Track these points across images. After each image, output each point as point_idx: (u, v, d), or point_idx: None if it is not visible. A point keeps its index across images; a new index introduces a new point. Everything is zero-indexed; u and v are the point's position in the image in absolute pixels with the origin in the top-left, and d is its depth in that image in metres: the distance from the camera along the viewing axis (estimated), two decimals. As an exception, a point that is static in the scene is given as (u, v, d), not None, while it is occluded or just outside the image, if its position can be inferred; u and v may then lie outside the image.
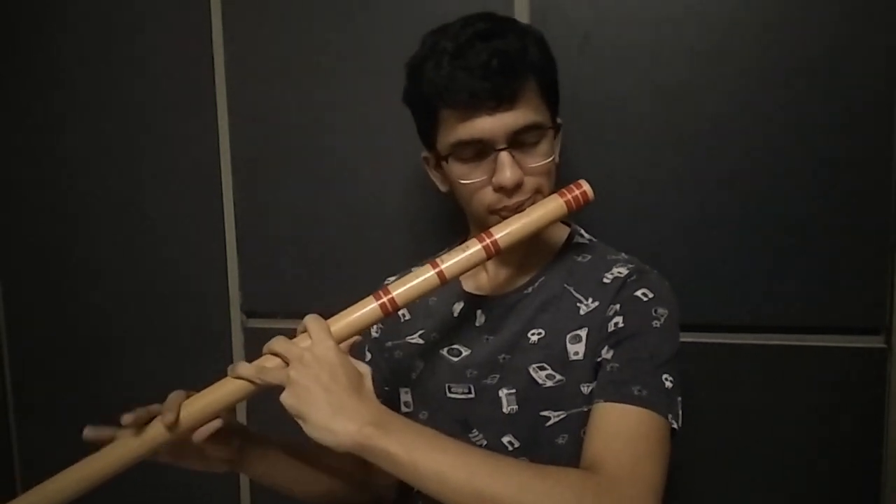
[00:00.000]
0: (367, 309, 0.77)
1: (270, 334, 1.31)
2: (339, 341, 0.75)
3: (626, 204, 1.12)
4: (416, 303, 0.87)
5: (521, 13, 1.12)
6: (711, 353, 1.11)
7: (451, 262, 0.78)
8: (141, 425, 0.75)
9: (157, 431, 0.74)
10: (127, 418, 0.74)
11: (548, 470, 0.71)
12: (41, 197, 1.45)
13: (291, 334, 0.77)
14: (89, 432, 0.77)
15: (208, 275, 1.35)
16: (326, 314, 1.26)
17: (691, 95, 1.08)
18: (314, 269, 1.29)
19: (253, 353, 1.32)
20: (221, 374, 1.34)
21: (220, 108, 1.31)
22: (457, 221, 0.98)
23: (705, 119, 1.08)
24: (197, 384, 1.36)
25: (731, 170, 1.08)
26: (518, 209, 0.82)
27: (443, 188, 0.91)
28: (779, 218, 1.07)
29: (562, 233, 0.95)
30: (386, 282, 1.03)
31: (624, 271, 0.86)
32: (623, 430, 0.75)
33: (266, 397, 0.76)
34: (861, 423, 1.08)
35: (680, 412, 0.78)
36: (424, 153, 0.91)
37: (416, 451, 0.68)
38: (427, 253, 1.04)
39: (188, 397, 0.78)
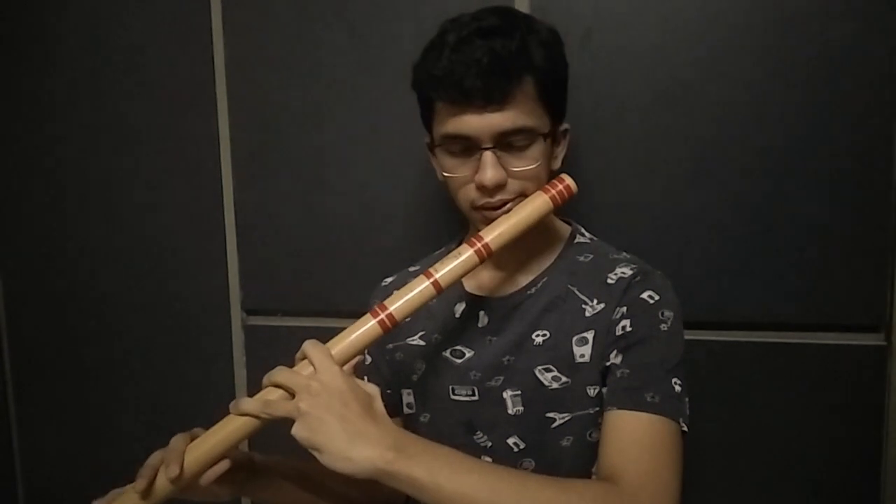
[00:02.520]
0: (366, 328, 0.76)
1: (271, 332, 1.33)
2: (340, 364, 0.73)
3: (625, 201, 1.12)
4: None
5: (521, 8, 1.12)
6: (711, 350, 1.11)
7: (444, 270, 0.78)
8: (151, 484, 0.72)
9: (162, 484, 0.72)
10: (140, 485, 0.72)
11: (570, 483, 0.72)
12: (41, 196, 1.44)
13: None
14: None
15: (209, 273, 1.35)
16: (325, 313, 1.27)
17: (693, 93, 1.08)
18: (314, 268, 1.29)
19: (253, 351, 1.35)
20: (221, 373, 1.36)
21: (220, 108, 1.30)
22: (457, 220, 0.98)
23: (706, 117, 1.08)
24: (197, 382, 1.38)
25: (731, 168, 1.08)
26: (500, 208, 0.82)
27: (440, 176, 0.91)
28: (779, 215, 1.07)
29: (563, 232, 0.95)
30: (383, 282, 1.03)
31: (628, 272, 0.86)
32: (639, 439, 0.75)
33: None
34: (861, 421, 1.08)
35: (688, 413, 0.79)
36: (426, 138, 0.91)
37: (438, 474, 0.67)
38: (427, 251, 1.05)
39: (192, 438, 0.75)
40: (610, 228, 1.01)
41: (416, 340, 0.95)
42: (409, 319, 0.96)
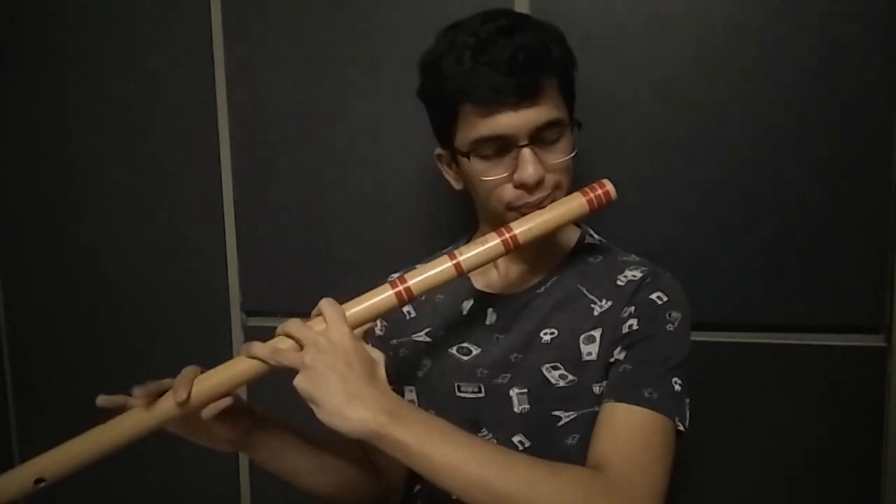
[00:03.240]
0: (382, 296, 0.78)
1: (271, 333, 1.32)
2: (353, 327, 0.75)
3: (623, 202, 1.11)
4: (423, 300, 0.87)
5: (521, 8, 1.12)
6: (711, 351, 1.11)
7: (469, 254, 0.78)
8: (153, 399, 0.75)
9: (167, 406, 0.75)
10: (138, 391, 0.75)
11: (558, 467, 0.72)
12: (41, 196, 1.44)
13: (305, 317, 0.78)
14: (103, 401, 0.78)
15: (208, 273, 1.35)
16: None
17: (692, 93, 1.09)
18: (314, 268, 1.29)
19: (253, 353, 1.34)
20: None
21: (220, 108, 1.30)
22: (457, 220, 0.98)
23: (706, 117, 1.09)
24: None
25: (730, 168, 1.09)
26: (538, 205, 0.82)
27: (457, 186, 0.91)
28: (778, 216, 1.08)
29: (573, 233, 0.95)
30: (389, 278, 1.03)
31: (638, 274, 0.86)
32: (632, 432, 0.76)
33: (268, 382, 0.76)
34: (861, 422, 1.09)
35: (687, 413, 0.80)
36: (438, 150, 0.91)
37: (428, 443, 0.69)
38: (427, 251, 1.05)
39: (201, 373, 0.78)
40: (607, 229, 1.01)
41: (421, 337, 0.95)
42: (413, 315, 0.96)
